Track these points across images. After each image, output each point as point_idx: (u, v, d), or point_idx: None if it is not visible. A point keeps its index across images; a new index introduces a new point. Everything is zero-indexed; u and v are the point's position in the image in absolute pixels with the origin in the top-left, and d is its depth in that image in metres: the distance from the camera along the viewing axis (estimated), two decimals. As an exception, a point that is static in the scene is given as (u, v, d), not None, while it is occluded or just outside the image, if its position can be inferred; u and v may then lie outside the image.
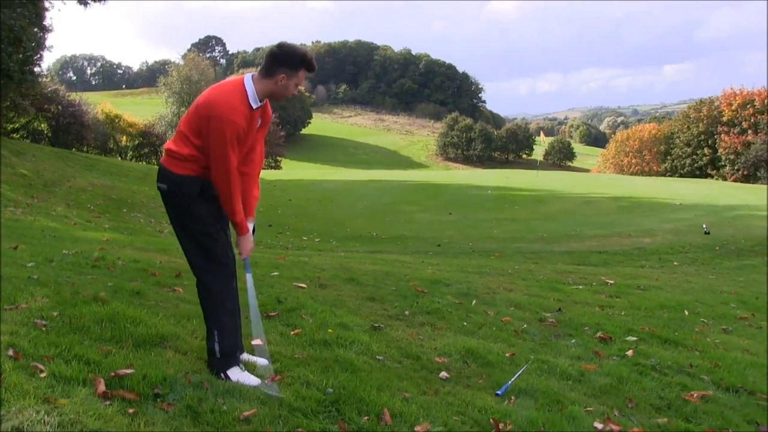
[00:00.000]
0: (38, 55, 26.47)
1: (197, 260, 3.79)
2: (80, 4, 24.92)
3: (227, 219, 3.80)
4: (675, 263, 14.86)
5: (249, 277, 3.95)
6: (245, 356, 4.06)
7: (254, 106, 3.67)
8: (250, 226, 3.88)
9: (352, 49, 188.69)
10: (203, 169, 3.63)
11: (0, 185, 15.33)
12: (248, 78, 3.71)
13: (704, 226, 19.82)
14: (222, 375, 3.69)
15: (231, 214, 3.69)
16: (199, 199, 3.69)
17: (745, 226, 21.07)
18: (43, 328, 3.93)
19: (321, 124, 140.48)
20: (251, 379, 3.72)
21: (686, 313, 7.50)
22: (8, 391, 2.86)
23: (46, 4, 25.40)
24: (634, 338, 5.95)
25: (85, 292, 4.99)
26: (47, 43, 27.15)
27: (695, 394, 4.49)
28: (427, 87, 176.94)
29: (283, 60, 3.67)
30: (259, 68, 3.76)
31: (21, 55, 23.13)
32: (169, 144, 3.74)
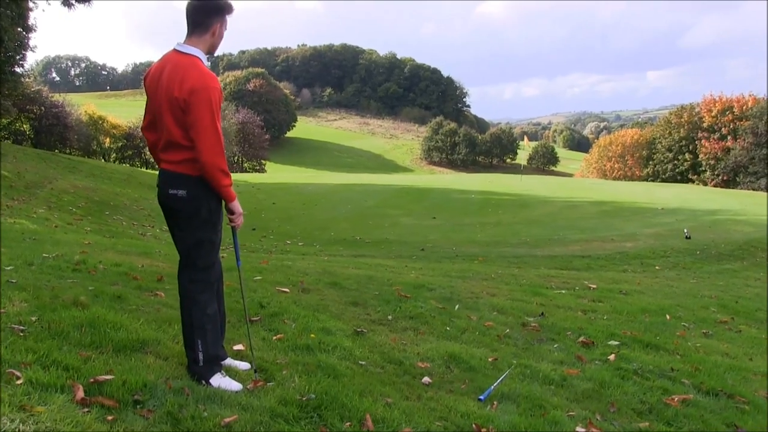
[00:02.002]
0: (21, 55, 26.32)
1: (190, 267, 3.74)
2: (64, 5, 24.75)
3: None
4: (657, 267, 14.94)
5: (239, 266, 4.04)
6: (228, 361, 4.03)
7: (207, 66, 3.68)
8: None
9: (337, 52, 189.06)
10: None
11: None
12: (187, 47, 3.64)
13: (685, 230, 19.94)
14: (203, 382, 3.66)
15: (221, 178, 3.57)
16: (217, 201, 3.67)
17: (725, 231, 21.24)
18: (21, 334, 3.88)
19: (306, 127, 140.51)
20: (233, 385, 3.69)
21: (668, 317, 7.54)
22: (-16, 398, 2.82)
23: (30, 4, 25.24)
24: (616, 342, 5.98)
25: (65, 297, 4.94)
26: (30, 43, 27.04)
27: (676, 398, 4.52)
28: (412, 91, 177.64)
29: (213, 10, 3.66)
30: (187, 33, 3.68)
31: (2, 55, 22.94)
32: (174, 155, 3.63)
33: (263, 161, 77.59)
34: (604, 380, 4.75)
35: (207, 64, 3.68)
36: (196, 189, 3.61)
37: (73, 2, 24.85)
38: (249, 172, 70.57)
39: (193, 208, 3.65)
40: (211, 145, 3.49)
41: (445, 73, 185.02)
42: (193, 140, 3.49)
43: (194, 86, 3.46)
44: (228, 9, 3.72)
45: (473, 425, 3.60)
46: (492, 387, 4.31)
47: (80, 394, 3.07)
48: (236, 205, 3.73)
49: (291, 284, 7.17)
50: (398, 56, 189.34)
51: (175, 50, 3.65)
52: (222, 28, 3.71)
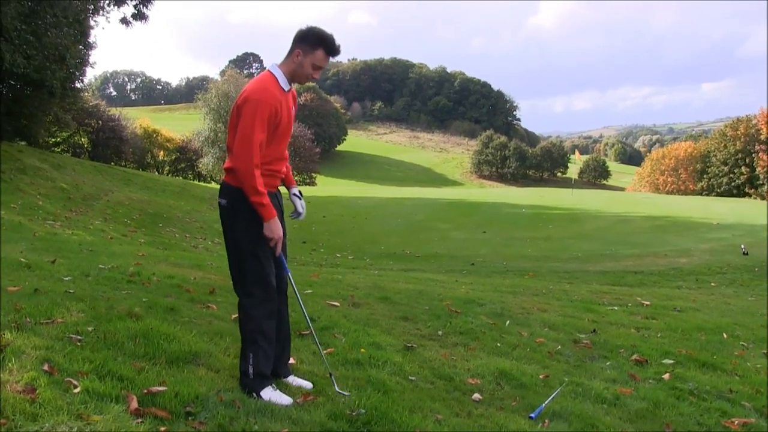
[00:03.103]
0: (81, 72, 27.00)
1: (240, 281, 3.81)
2: (122, 23, 25.39)
3: (282, 242, 3.80)
4: (712, 284, 14.60)
5: (289, 275, 4.01)
6: (290, 379, 4.07)
7: (285, 89, 3.75)
8: (294, 191, 4.09)
9: (387, 66, 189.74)
10: None
11: None
12: (273, 65, 3.80)
13: (742, 246, 19.48)
14: (254, 395, 3.68)
15: (253, 194, 3.61)
16: (255, 215, 3.68)
17: (785, 247, 20.68)
18: (78, 343, 3.95)
19: (356, 140, 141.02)
20: (283, 399, 3.71)
21: (725, 335, 7.34)
22: (42, 407, 2.88)
23: (91, 22, 25.94)
24: (671, 361, 5.84)
25: (119, 308, 5.03)
26: (90, 59, 27.72)
27: (736, 421, 4.38)
28: (462, 104, 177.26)
29: (302, 38, 3.74)
30: None
31: (64, 72, 23.61)
32: (225, 163, 3.78)
33: (314, 174, 78.07)
34: (659, 400, 4.63)
35: (286, 87, 3.75)
36: (233, 199, 3.70)
37: (131, 20, 25.46)
38: (300, 185, 71.17)
39: (230, 218, 3.75)
40: (242, 155, 3.56)
41: (495, 87, 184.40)
42: (234, 147, 3.60)
43: (248, 95, 3.59)
44: (318, 44, 3.72)
45: (524, 444, 3.55)
46: (543, 405, 4.25)
47: (134, 404, 3.12)
48: (268, 227, 3.71)
49: (341, 298, 7.19)
50: (448, 70, 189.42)
51: None
52: (305, 59, 3.73)
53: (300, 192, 4.13)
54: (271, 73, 3.74)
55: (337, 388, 3.83)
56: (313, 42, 3.71)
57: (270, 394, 3.72)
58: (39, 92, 23.99)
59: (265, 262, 3.78)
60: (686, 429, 4.23)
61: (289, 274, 4.01)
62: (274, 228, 3.71)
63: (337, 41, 3.78)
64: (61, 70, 23.15)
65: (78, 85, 28.73)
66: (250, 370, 3.73)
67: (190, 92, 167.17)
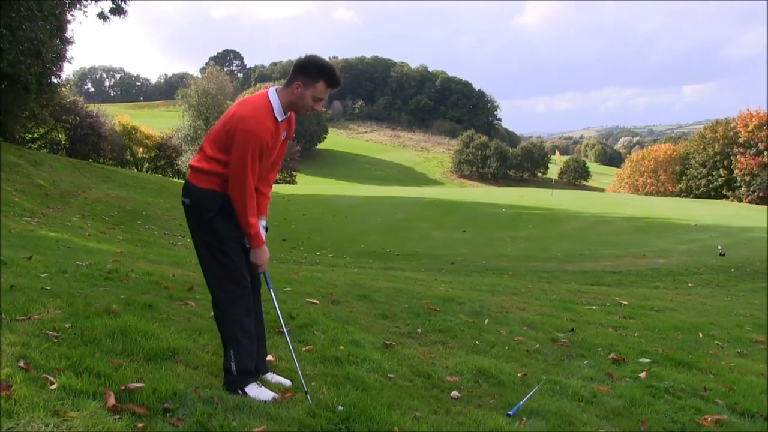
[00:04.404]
0: (58, 67, 26.77)
1: (213, 279, 3.80)
2: (100, 18, 25.19)
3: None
4: (689, 285, 14.73)
5: (272, 292, 4.01)
6: (269, 376, 4.06)
7: (279, 119, 3.71)
8: (262, 224, 3.92)
9: (369, 65, 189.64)
10: (225, 184, 3.64)
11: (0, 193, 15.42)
12: (272, 91, 3.74)
13: (719, 247, 19.66)
14: (239, 392, 3.68)
15: (245, 227, 3.67)
16: (220, 214, 3.69)
17: (760, 249, 20.86)
18: (55, 340, 3.93)
19: (336, 139, 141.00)
20: (267, 394, 3.72)
21: (700, 335, 7.42)
22: (18, 403, 2.85)
23: (68, 17, 25.73)
24: (648, 360, 5.89)
25: (97, 304, 4.99)
26: (68, 54, 27.52)
27: (709, 419, 4.43)
28: (443, 104, 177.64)
29: (301, 69, 3.69)
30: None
31: (40, 67, 23.39)
32: (192, 161, 3.78)
33: (294, 173, 77.91)
34: (635, 398, 4.67)
35: (280, 117, 3.71)
36: (196, 199, 3.73)
37: (108, 15, 25.26)
38: (279, 183, 70.97)
39: (195, 217, 3.78)
40: (236, 186, 3.62)
41: (477, 86, 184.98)
42: (229, 176, 3.64)
43: (243, 126, 3.57)
44: (318, 76, 3.68)
45: (502, 441, 3.57)
46: (521, 402, 4.27)
47: (112, 401, 3.10)
48: (254, 255, 3.80)
49: (320, 296, 7.19)
50: (430, 69, 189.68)
51: (263, 88, 3.87)
52: (305, 91, 3.68)
53: (266, 225, 4.04)
54: (268, 99, 3.69)
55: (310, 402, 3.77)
56: (314, 74, 3.66)
57: (255, 390, 3.72)
58: (14, 87, 23.77)
59: (236, 258, 3.76)
60: (661, 426, 4.27)
61: (271, 290, 4.04)
62: (259, 255, 3.77)
63: (338, 72, 3.76)
64: (36, 65, 22.94)
65: (55, 80, 28.55)
66: (233, 368, 3.72)
67: (169, 89, 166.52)
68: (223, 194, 3.66)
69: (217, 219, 3.69)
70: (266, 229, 4.00)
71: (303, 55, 3.75)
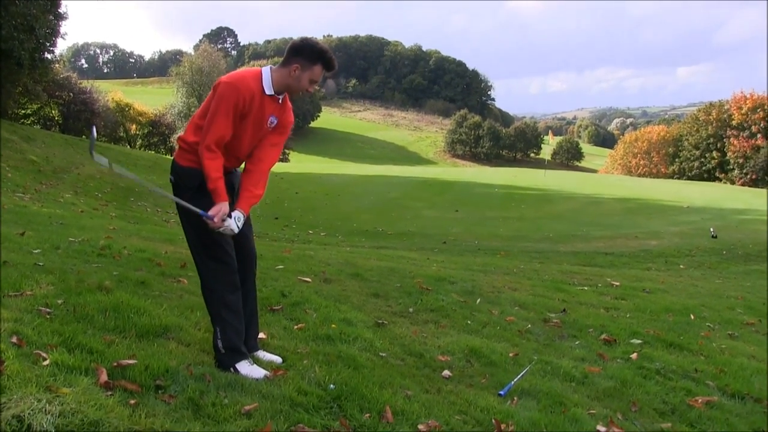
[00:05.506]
0: (51, 42, 26.55)
1: (197, 256, 3.81)
2: (95, -6, 24.98)
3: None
4: (681, 266, 14.80)
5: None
6: (260, 354, 4.06)
7: (267, 91, 3.70)
8: (238, 215, 3.74)
9: (362, 43, 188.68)
10: None
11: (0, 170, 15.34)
12: (267, 68, 3.77)
13: (711, 229, 19.74)
14: (231, 369, 3.69)
15: (206, 180, 3.63)
16: (200, 192, 3.68)
17: (752, 231, 20.99)
18: (47, 316, 3.92)
19: (330, 118, 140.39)
20: (258, 372, 3.71)
21: (692, 317, 7.45)
22: (10, 379, 2.84)
23: (62, -8, 25.50)
24: (639, 341, 5.92)
25: (90, 281, 4.99)
26: (61, 30, 27.25)
27: (700, 400, 4.46)
28: (437, 83, 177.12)
29: (299, 50, 3.70)
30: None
31: (33, 43, 23.21)
32: (180, 135, 3.78)
33: (287, 150, 77.68)
34: (626, 379, 4.70)
35: (268, 90, 3.70)
36: (179, 178, 3.80)
37: (103, -10, 25.04)
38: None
39: (179, 195, 3.75)
40: (205, 135, 3.62)
41: (471, 66, 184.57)
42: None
43: (223, 79, 3.62)
44: (316, 59, 3.71)
45: (493, 420, 3.58)
46: (512, 382, 4.29)
47: (104, 377, 3.10)
48: (217, 206, 3.65)
49: (313, 274, 7.19)
50: (424, 48, 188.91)
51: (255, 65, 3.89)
52: (302, 73, 3.70)
53: (240, 217, 3.78)
54: (260, 71, 3.73)
55: None
56: (312, 57, 3.69)
57: (247, 368, 3.72)
58: (7, 63, 23.55)
59: (216, 235, 3.73)
60: (652, 407, 4.30)
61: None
62: (216, 209, 3.62)
63: (334, 55, 3.80)
64: (29, 41, 22.77)
65: (48, 56, 28.29)
66: (220, 345, 3.73)
67: (163, 66, 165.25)
68: (202, 172, 3.65)
69: (197, 197, 3.68)
70: (242, 221, 3.78)
71: (298, 37, 3.78)
